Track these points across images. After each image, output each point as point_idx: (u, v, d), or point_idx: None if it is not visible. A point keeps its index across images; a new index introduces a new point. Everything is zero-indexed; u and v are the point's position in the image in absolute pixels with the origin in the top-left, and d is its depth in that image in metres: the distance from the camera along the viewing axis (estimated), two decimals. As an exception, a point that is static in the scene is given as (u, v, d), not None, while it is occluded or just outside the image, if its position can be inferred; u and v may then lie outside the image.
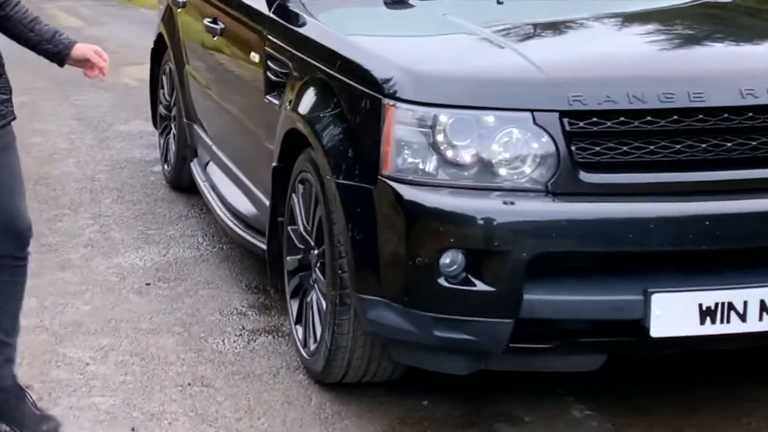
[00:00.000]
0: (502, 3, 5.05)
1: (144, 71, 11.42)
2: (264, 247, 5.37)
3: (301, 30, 4.97)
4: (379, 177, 4.21)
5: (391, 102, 4.20)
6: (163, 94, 7.53)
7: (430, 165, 4.15)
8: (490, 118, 4.12)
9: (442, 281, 4.07)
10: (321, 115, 4.57)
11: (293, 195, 4.93)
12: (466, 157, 4.13)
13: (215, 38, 6.09)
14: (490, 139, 4.11)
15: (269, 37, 5.25)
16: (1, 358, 4.28)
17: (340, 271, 4.41)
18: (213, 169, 6.43)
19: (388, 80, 4.25)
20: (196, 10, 6.62)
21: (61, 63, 4.40)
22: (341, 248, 4.40)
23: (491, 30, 4.65)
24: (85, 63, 4.41)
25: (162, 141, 7.61)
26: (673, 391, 4.69)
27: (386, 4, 5.14)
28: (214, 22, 6.09)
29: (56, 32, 4.35)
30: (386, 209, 4.19)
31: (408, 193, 4.13)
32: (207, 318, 5.48)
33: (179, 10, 7.01)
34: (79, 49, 4.38)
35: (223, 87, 6.09)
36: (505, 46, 4.45)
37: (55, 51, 4.33)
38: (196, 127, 6.88)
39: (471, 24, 4.73)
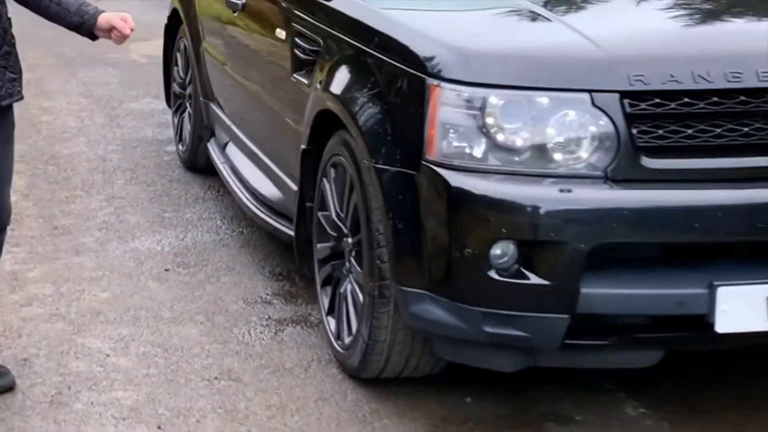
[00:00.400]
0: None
1: (151, 47, 11.07)
2: (290, 233, 5.03)
3: (332, 4, 4.60)
4: (423, 162, 3.87)
5: (436, 82, 3.84)
6: (177, 71, 7.15)
7: (479, 149, 3.80)
8: (544, 99, 3.77)
9: (492, 274, 3.73)
10: (357, 95, 4.21)
11: (324, 179, 4.58)
12: (518, 141, 3.78)
13: (236, 14, 5.72)
14: (545, 122, 3.76)
15: (297, 12, 4.88)
16: None
17: (378, 262, 4.06)
18: (232, 150, 6.07)
19: (432, 58, 3.90)
20: (214, -16, 6.25)
21: (90, 35, 4.20)
22: (380, 237, 4.05)
23: (537, 2, 4.29)
24: (111, 31, 4.18)
25: (176, 120, 7.24)
26: (730, 386, 4.36)
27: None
28: (235, -4, 5.71)
29: (82, 4, 4.16)
30: (431, 196, 3.85)
31: (455, 179, 3.78)
32: (230, 306, 5.13)
33: (195, -16, 6.63)
34: (105, 17, 4.17)
35: (244, 65, 5.72)
36: (556, 20, 4.09)
37: (81, 22, 4.14)
38: (213, 106, 6.51)
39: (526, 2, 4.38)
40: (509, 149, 3.78)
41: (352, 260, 4.33)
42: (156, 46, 10.64)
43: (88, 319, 4.98)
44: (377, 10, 4.36)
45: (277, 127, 5.25)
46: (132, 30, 4.20)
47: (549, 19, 4.11)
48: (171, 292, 5.28)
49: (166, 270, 5.53)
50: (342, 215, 4.42)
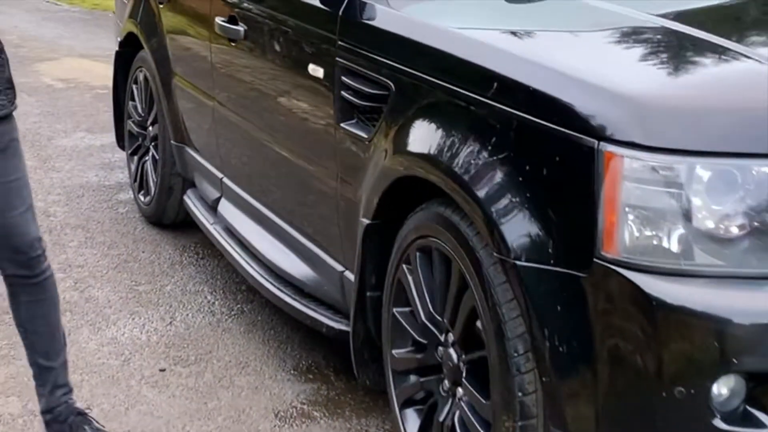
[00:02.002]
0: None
1: (62, 69, 9.73)
2: (337, 326, 3.84)
3: (410, 35, 3.39)
4: (596, 259, 2.68)
5: (615, 149, 2.66)
6: (135, 107, 5.84)
7: (682, 242, 2.64)
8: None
9: (718, 423, 2.57)
10: (470, 161, 3.00)
11: (403, 266, 3.37)
12: (734, 228, 2.62)
13: (234, 44, 4.46)
14: (773, 202, 2.61)
15: (346, 44, 3.65)
16: (48, 385, 3.56)
17: (519, 393, 2.87)
18: (228, 209, 4.79)
19: (604, 115, 2.71)
20: (194, 6, 4.96)
21: None
22: (519, 360, 2.86)
23: (695, 27, 3.15)
24: None
25: (133, 165, 5.92)
26: None
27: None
28: (233, 22, 4.45)
29: None
30: (613, 310, 2.66)
31: (653, 286, 2.61)
32: (261, 425, 3.88)
33: (161, 5, 5.33)
34: None
35: (248, 107, 4.45)
36: (749, 55, 2.92)
37: None
38: (190, 151, 5.24)
39: (655, 17, 3.24)
40: (723, 240, 2.62)
41: (466, 383, 3.13)
42: (67, 68, 9.31)
43: (78, 451, 3.69)
44: (490, 44, 3.14)
45: (307, 190, 4.01)
46: None
47: (739, 53, 2.94)
48: (177, 404, 4.01)
49: (162, 370, 4.26)
50: (440, 319, 3.22)
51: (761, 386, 2.60)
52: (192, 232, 5.57)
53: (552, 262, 2.77)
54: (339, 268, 3.84)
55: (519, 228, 2.84)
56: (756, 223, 2.62)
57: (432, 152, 3.13)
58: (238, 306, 4.81)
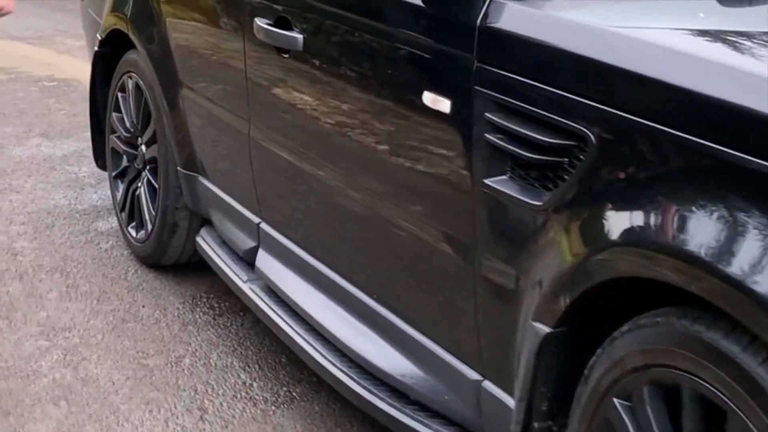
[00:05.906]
0: None
1: (-1, 55, 8.37)
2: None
3: (630, 66, 2.20)
4: None
5: None
6: (121, 120, 4.58)
7: None
8: None
9: None
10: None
11: (613, 401, 2.21)
12: None
13: (287, 56, 3.23)
14: None
15: (487, 66, 2.46)
16: None
17: None
18: (271, 265, 3.57)
19: None
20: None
21: None
22: None
23: None
24: None
25: (120, 192, 4.65)
26: None
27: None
28: (284, 25, 3.22)
29: None
30: None
31: None
32: None
33: (163, -4, 4.09)
34: None
35: (313, 142, 3.23)
36: None
37: None
38: (205, 182, 4.01)
39: None
40: None
41: None
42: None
43: None
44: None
45: (417, 263, 2.83)
46: None
47: None
48: None
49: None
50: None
51: None
52: (198, 277, 4.38)
53: None
54: (473, 376, 2.68)
55: None
56: None
57: (696, 249, 1.97)
58: (285, 389, 3.62)
